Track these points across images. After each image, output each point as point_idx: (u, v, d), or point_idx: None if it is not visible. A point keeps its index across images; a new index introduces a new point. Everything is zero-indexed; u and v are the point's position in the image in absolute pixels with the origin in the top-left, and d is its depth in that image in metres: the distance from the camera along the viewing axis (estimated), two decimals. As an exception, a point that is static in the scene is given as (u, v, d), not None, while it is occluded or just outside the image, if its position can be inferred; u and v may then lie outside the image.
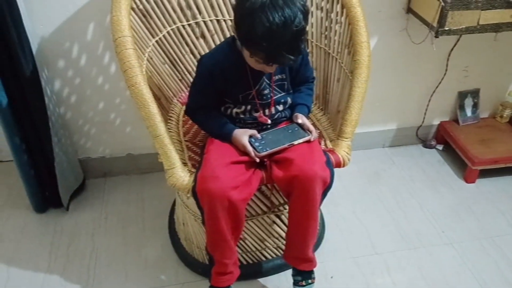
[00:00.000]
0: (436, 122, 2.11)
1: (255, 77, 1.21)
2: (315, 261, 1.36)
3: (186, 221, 1.48)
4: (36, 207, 1.74)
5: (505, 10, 1.54)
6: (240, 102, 1.24)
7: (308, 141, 1.22)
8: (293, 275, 1.39)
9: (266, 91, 1.24)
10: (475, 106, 2.07)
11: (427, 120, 2.08)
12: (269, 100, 1.25)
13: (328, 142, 1.37)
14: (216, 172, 1.12)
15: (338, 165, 1.28)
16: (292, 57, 1.04)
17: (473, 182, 1.92)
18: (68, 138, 1.75)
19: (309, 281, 1.36)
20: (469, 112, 2.07)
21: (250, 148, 1.18)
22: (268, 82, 1.23)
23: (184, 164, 1.25)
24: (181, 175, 1.19)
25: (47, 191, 1.72)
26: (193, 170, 1.24)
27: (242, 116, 1.26)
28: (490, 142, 1.97)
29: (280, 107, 1.29)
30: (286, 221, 1.43)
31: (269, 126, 1.28)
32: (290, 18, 1.00)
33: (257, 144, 1.20)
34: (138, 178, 1.92)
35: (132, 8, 1.29)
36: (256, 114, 1.26)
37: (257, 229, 1.41)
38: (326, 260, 1.57)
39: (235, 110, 1.26)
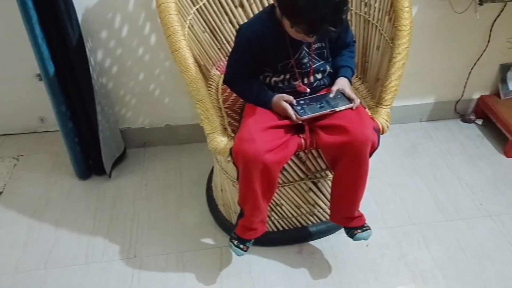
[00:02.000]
0: (476, 96, 2.06)
1: (294, 46, 1.21)
2: (363, 216, 1.38)
3: (224, 187, 1.52)
4: (80, 174, 1.82)
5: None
6: (279, 71, 1.25)
7: (351, 108, 1.22)
8: (346, 232, 1.40)
9: (305, 60, 1.25)
10: (518, 79, 2.01)
11: (466, 94, 2.04)
12: (308, 69, 1.26)
13: (367, 110, 1.37)
14: (252, 135, 1.15)
15: (378, 132, 1.28)
16: (333, 29, 1.05)
17: (514, 156, 1.88)
18: (110, 108, 1.81)
19: (364, 228, 1.37)
20: (511, 86, 2.02)
21: (291, 111, 1.19)
22: (307, 50, 1.24)
23: (224, 129, 1.28)
24: (222, 139, 1.23)
25: (90, 159, 1.79)
26: (233, 135, 1.27)
27: (280, 84, 1.27)
28: (533, 116, 1.91)
29: (319, 76, 1.29)
30: (322, 188, 1.45)
31: (307, 95, 1.28)
32: None
33: (298, 107, 1.21)
34: (176, 148, 1.97)
35: (175, -24, 1.31)
36: (295, 83, 1.27)
37: (293, 195, 1.43)
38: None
39: (274, 78, 1.27)
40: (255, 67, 1.26)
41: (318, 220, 1.54)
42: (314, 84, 1.29)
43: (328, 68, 1.30)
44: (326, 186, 1.45)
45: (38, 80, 1.90)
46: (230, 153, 1.20)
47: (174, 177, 1.83)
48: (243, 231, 1.34)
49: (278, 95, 1.23)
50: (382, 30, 1.40)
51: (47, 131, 2.07)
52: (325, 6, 1.01)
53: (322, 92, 1.30)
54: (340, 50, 1.33)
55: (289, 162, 1.31)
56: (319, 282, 1.43)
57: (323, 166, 1.38)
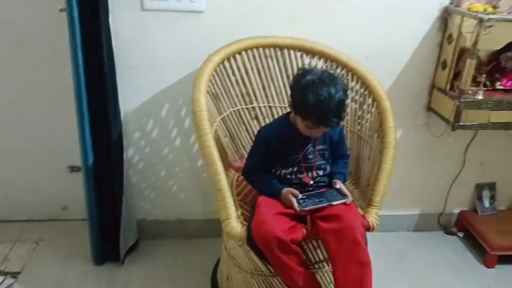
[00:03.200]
0: (457, 210, 2.31)
1: (303, 144, 1.51)
2: None
3: (230, 275, 1.67)
4: (96, 259, 1.96)
5: (512, 111, 1.83)
6: (288, 164, 1.52)
7: (345, 204, 1.45)
8: None
9: (310, 156, 1.52)
10: (492, 198, 2.27)
11: (448, 208, 2.28)
12: (312, 164, 1.53)
13: (359, 210, 1.59)
14: (266, 219, 1.37)
15: (368, 229, 1.49)
16: (335, 120, 1.36)
17: (493, 267, 2.06)
18: (131, 199, 2.03)
19: None
20: (487, 204, 2.27)
21: (296, 203, 1.42)
22: (313, 149, 1.52)
23: (237, 217, 1.49)
24: (236, 225, 1.43)
25: (107, 245, 1.95)
26: (244, 223, 1.48)
27: (288, 176, 1.52)
28: (508, 232, 2.13)
29: (321, 172, 1.55)
30: (321, 279, 1.61)
31: (310, 188, 1.53)
32: (334, 93, 1.34)
33: (301, 201, 1.44)
34: (185, 241, 2.13)
35: (207, 91, 1.64)
36: (301, 176, 1.52)
37: (295, 283, 1.58)
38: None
39: (283, 171, 1.53)
40: (270, 161, 1.52)
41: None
42: (317, 179, 1.54)
43: (328, 167, 1.56)
44: (326, 277, 1.61)
45: (69, 172, 2.15)
46: (247, 240, 1.38)
47: (181, 269, 1.97)
48: None
49: (286, 188, 1.47)
50: (372, 144, 1.70)
51: (67, 219, 2.24)
52: (328, 104, 1.34)
53: (322, 190, 1.54)
54: (337, 158, 1.61)
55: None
56: None
57: (322, 258, 1.55)
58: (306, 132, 1.45)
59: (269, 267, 1.51)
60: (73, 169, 2.14)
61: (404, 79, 1.98)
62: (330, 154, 1.56)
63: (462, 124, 1.82)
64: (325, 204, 1.44)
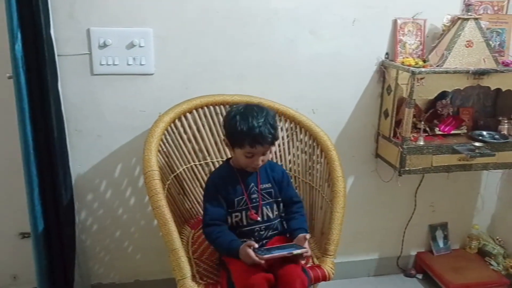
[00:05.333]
0: (414, 252, 2.36)
1: (246, 186, 1.55)
2: None
3: (190, 337, 1.62)
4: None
5: (452, 155, 1.93)
6: (236, 207, 1.54)
7: (304, 254, 1.43)
8: None
9: (254, 195, 1.55)
10: (445, 238, 2.35)
11: (405, 251, 2.33)
12: (257, 203, 1.55)
13: (315, 260, 1.61)
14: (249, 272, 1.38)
15: (324, 278, 1.51)
16: (269, 136, 1.44)
17: (451, 306, 2.10)
18: (84, 264, 1.97)
19: None
20: (441, 244, 2.34)
21: (253, 253, 1.39)
22: (256, 188, 1.56)
23: (193, 276, 1.48)
24: (191, 285, 1.41)
25: (60, 316, 1.87)
26: (201, 281, 1.46)
27: (239, 221, 1.53)
28: (462, 270, 2.20)
29: (270, 213, 1.56)
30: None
31: (261, 227, 1.54)
32: (262, 114, 1.45)
33: (259, 251, 1.42)
34: (143, 304, 2.08)
35: (159, 150, 1.66)
36: (249, 213, 1.54)
37: None
38: None
39: (234, 217, 1.54)
40: (224, 207, 1.53)
41: None
42: (265, 219, 1.56)
43: (275, 206, 1.58)
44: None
45: (20, 239, 2.07)
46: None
47: (140, 332, 1.90)
48: None
49: (244, 244, 1.44)
50: (324, 194, 1.75)
51: (16, 290, 2.13)
52: (258, 123, 1.43)
53: (275, 239, 1.55)
54: (288, 206, 1.62)
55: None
56: None
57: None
58: (247, 163, 1.49)
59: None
60: (24, 235, 2.06)
61: (351, 128, 2.07)
62: (277, 193, 1.59)
63: (407, 169, 1.90)
64: (285, 252, 1.41)
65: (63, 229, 1.77)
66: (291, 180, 1.71)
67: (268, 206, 1.58)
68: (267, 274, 1.41)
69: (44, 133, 1.66)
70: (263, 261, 1.40)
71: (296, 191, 1.74)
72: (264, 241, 1.55)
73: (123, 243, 2.04)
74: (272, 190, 1.59)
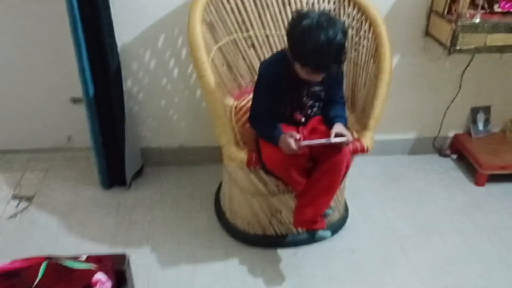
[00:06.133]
0: (451, 134, 2.37)
1: (298, 86, 1.50)
2: (324, 220, 1.63)
3: (232, 196, 1.78)
4: (104, 183, 2.07)
5: (509, 34, 1.82)
6: (284, 103, 1.54)
7: (345, 143, 1.45)
8: (308, 234, 1.64)
9: (304, 98, 1.54)
10: (486, 121, 2.33)
11: (442, 132, 2.35)
12: (305, 104, 1.55)
13: (354, 133, 1.66)
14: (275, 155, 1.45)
15: (362, 150, 1.56)
16: (335, 65, 1.34)
17: (483, 185, 2.16)
18: (134, 128, 2.09)
19: (325, 229, 1.63)
20: (481, 126, 2.33)
21: (293, 143, 1.39)
22: (307, 91, 1.53)
23: (237, 142, 1.56)
24: (235, 149, 1.51)
25: (113, 171, 2.05)
26: (243, 147, 1.55)
27: (283, 113, 1.55)
28: (499, 152, 2.21)
29: (315, 109, 1.58)
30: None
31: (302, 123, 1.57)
32: (333, 37, 1.29)
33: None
34: (187, 167, 2.23)
35: (203, 20, 1.64)
36: (294, 113, 1.55)
37: (291, 203, 1.69)
38: (349, 238, 1.85)
39: (280, 110, 1.55)
40: (273, 101, 1.52)
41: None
42: (311, 115, 1.58)
43: (321, 104, 1.58)
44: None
45: (72, 103, 2.19)
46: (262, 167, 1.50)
47: (185, 191, 2.08)
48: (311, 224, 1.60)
49: (285, 133, 1.44)
50: (368, 70, 1.72)
51: (72, 149, 2.32)
52: (327, 50, 1.30)
53: (315, 118, 1.59)
54: (333, 102, 1.58)
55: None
56: (311, 278, 1.67)
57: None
58: (306, 77, 1.42)
59: (269, 188, 1.61)
60: (75, 100, 2.18)
61: (402, 4, 1.96)
62: (325, 94, 1.56)
63: (458, 48, 1.82)
64: (324, 141, 1.44)
65: (112, 94, 1.85)
66: (344, 78, 1.62)
67: (314, 108, 1.57)
68: (301, 158, 1.46)
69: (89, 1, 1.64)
70: (301, 149, 1.42)
71: (344, 90, 1.64)
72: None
73: (168, 112, 2.13)
74: (321, 92, 1.55)
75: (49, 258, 0.99)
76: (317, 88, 1.53)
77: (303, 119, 1.57)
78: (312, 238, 1.64)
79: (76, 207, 1.97)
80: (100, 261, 1.01)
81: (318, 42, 1.29)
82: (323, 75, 1.42)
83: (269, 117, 1.52)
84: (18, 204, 1.97)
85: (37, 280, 0.93)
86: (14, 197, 2.01)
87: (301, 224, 1.63)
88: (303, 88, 1.51)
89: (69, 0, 1.62)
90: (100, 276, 0.96)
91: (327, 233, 1.64)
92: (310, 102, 1.56)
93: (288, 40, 1.40)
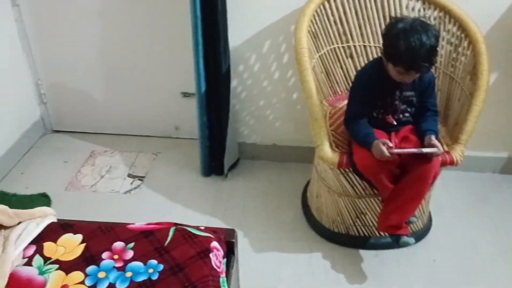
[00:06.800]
0: (548, 156, 2.31)
1: (391, 91, 1.61)
2: (408, 227, 1.70)
3: (320, 194, 1.92)
4: (204, 172, 2.31)
5: None
6: (377, 106, 1.65)
7: (435, 154, 1.53)
8: (392, 239, 1.71)
9: (396, 102, 1.63)
10: None
11: (539, 153, 2.29)
12: (397, 109, 1.65)
13: (445, 146, 1.72)
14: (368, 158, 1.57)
15: (452, 163, 1.63)
16: (426, 65, 1.44)
17: None
18: (234, 124, 2.31)
19: (410, 236, 1.69)
20: None
21: (384, 148, 1.50)
22: (399, 95, 1.62)
23: (330, 144, 1.70)
24: (328, 150, 1.65)
25: (213, 161, 2.28)
26: (336, 150, 1.69)
27: (375, 116, 1.66)
28: None
29: (407, 115, 1.67)
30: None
31: (393, 125, 1.67)
32: (425, 39, 1.41)
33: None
34: (278, 164, 2.41)
35: (309, 31, 1.80)
36: (386, 116, 1.66)
37: (376, 207, 1.79)
38: (430, 248, 1.91)
39: (374, 113, 1.67)
40: (367, 104, 1.63)
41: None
42: (402, 120, 1.67)
43: (413, 110, 1.67)
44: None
45: (182, 97, 2.47)
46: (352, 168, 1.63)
47: (275, 186, 2.27)
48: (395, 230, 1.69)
49: (378, 140, 1.54)
50: (464, 86, 1.77)
51: (178, 138, 2.61)
52: (419, 50, 1.42)
53: (407, 127, 1.67)
54: (424, 110, 1.67)
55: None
56: (389, 282, 1.76)
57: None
58: (398, 77, 1.52)
59: (356, 190, 1.73)
60: (185, 94, 2.46)
61: (505, 20, 1.96)
62: (417, 101, 1.65)
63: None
64: (415, 150, 1.53)
65: (220, 92, 2.08)
66: (436, 86, 1.70)
67: (406, 112, 1.66)
68: (391, 165, 1.55)
69: (210, 7, 1.88)
70: (393, 156, 1.51)
71: (436, 99, 1.72)
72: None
73: (266, 111, 2.33)
74: (413, 98, 1.64)
75: (176, 224, 1.21)
76: (409, 93, 1.63)
77: (394, 123, 1.66)
78: (396, 243, 1.71)
79: (180, 190, 2.23)
80: (215, 232, 1.21)
81: (411, 42, 1.41)
82: (414, 75, 1.51)
83: (363, 120, 1.64)
84: (132, 182, 2.27)
85: (168, 240, 1.15)
86: (129, 175, 2.32)
87: (385, 228, 1.72)
88: (396, 92, 1.61)
89: (193, 6, 1.86)
90: (215, 244, 1.17)
91: (411, 239, 1.71)
92: (403, 107, 1.65)
93: (384, 40, 1.54)
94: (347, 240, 1.90)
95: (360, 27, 1.96)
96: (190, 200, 2.16)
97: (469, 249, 1.91)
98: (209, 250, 1.13)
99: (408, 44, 1.42)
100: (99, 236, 1.17)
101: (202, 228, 1.23)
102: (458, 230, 2.00)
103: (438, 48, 1.48)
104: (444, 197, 2.16)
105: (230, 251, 1.24)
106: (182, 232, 1.17)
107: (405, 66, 1.46)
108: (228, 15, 1.97)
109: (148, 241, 1.15)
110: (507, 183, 2.31)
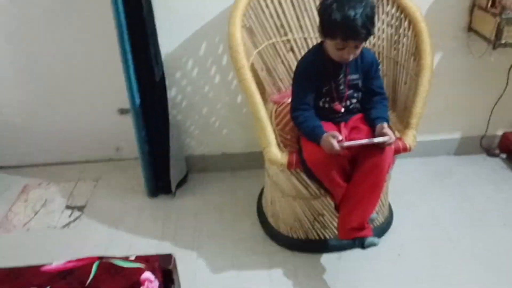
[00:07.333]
0: (500, 132, 2.28)
1: (335, 75, 1.53)
2: (371, 227, 1.58)
3: (274, 199, 1.79)
4: (150, 192, 2.13)
5: (557, 26, 1.75)
6: (321, 94, 1.55)
7: (387, 143, 1.43)
8: (356, 244, 1.58)
9: (341, 87, 1.54)
10: (538, 117, 2.23)
11: (490, 130, 2.26)
12: (343, 95, 1.55)
13: (396, 133, 1.63)
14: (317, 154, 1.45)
15: (405, 149, 1.54)
16: (363, 31, 1.35)
17: (536, 184, 2.07)
18: (178, 137, 2.15)
19: (374, 236, 1.57)
20: (532, 123, 2.23)
21: (336, 144, 1.39)
22: (344, 79, 1.54)
23: (277, 145, 1.57)
24: (276, 152, 1.52)
25: (159, 179, 2.10)
26: (284, 150, 1.56)
27: (321, 105, 1.56)
28: (553, 150, 2.11)
29: (354, 100, 1.58)
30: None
31: (341, 114, 1.57)
32: (359, 7, 1.34)
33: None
34: (230, 173, 2.27)
35: (242, 26, 1.67)
36: (333, 104, 1.56)
37: (333, 205, 1.67)
38: (395, 239, 1.81)
39: (320, 102, 1.57)
40: (312, 92, 1.54)
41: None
42: (350, 107, 1.58)
43: (360, 95, 1.58)
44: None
45: (119, 114, 2.29)
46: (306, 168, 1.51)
47: (229, 197, 2.11)
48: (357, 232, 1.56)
49: (327, 133, 1.44)
50: (409, 68, 1.70)
51: (120, 159, 2.41)
52: (354, 17, 1.33)
53: (356, 116, 1.58)
54: (371, 95, 1.58)
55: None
56: (355, 282, 1.65)
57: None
58: (337, 55, 1.44)
59: (311, 190, 1.61)
60: (122, 111, 2.27)
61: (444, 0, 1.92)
62: (363, 84, 1.57)
63: (504, 42, 1.77)
64: (366, 141, 1.43)
65: (157, 104, 1.92)
66: (380, 69, 1.62)
67: (353, 98, 1.57)
68: (343, 159, 1.46)
69: (135, 13, 1.72)
70: (343, 150, 1.41)
71: (382, 82, 1.63)
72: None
73: (211, 119, 2.18)
74: (358, 81, 1.56)
75: (100, 258, 1.03)
76: (354, 76, 1.54)
77: (342, 110, 1.57)
78: (361, 247, 1.56)
79: (125, 216, 2.03)
80: (148, 261, 1.04)
81: (346, 11, 1.34)
82: (353, 49, 1.42)
83: (310, 112, 1.54)
84: (71, 214, 2.06)
85: (90, 278, 0.97)
86: (67, 207, 2.10)
87: (347, 233, 1.57)
88: (340, 76, 1.53)
89: (116, 13, 1.70)
90: (148, 274, 1.00)
91: (376, 239, 1.57)
92: (349, 92, 1.56)
93: (319, 17, 1.45)
94: (307, 245, 1.77)
95: (298, 19, 1.86)
96: (137, 226, 1.97)
97: (434, 232, 1.85)
98: (139, 283, 0.96)
99: (342, 12, 1.35)
100: (5, 284, 0.97)
101: (132, 258, 1.06)
102: (420, 216, 1.93)
103: (375, 18, 1.41)
104: (402, 184, 2.09)
105: (169, 280, 1.08)
106: (106, 266, 1.00)
107: (342, 36, 1.38)
108: (157, 19, 1.82)
109: (67, 282, 0.97)
110: (464, 163, 2.27)
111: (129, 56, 1.79)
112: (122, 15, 1.72)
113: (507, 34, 1.76)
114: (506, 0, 1.72)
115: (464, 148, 2.30)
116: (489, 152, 2.30)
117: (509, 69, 2.09)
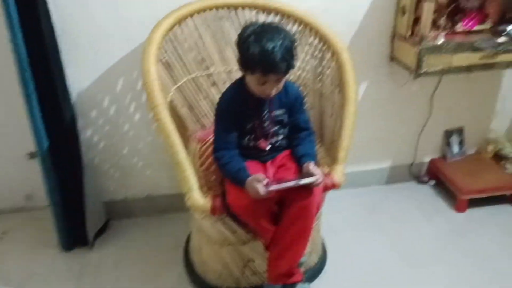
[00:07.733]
0: (427, 159, 2.31)
1: (258, 111, 1.44)
2: (300, 271, 1.51)
3: (201, 246, 1.65)
4: (64, 245, 1.90)
5: (474, 53, 1.79)
6: (245, 132, 1.45)
7: (315, 184, 1.34)
8: None
9: (266, 124, 1.45)
10: (461, 143, 2.28)
11: (418, 158, 2.28)
12: (268, 132, 1.46)
13: (325, 168, 1.56)
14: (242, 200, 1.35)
15: (334, 186, 1.47)
16: (283, 64, 1.28)
17: (464, 211, 2.08)
18: (95, 181, 1.96)
19: (305, 281, 1.50)
20: (456, 149, 2.28)
21: (261, 188, 1.29)
22: (268, 115, 1.45)
23: (201, 187, 1.44)
24: (197, 197, 1.39)
25: (74, 230, 1.89)
26: (208, 193, 1.43)
27: (245, 144, 1.46)
28: (477, 174, 2.15)
29: (280, 137, 1.49)
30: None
31: (267, 152, 1.48)
32: (278, 39, 1.27)
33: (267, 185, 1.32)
34: (156, 217, 2.09)
35: (158, 60, 1.55)
36: (257, 141, 1.46)
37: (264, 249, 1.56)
38: (329, 281, 1.72)
39: (244, 140, 1.46)
40: (235, 130, 1.43)
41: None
42: (276, 144, 1.49)
43: (286, 131, 1.50)
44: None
45: (28, 159, 2.06)
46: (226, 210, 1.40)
47: (153, 244, 1.93)
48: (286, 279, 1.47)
49: (251, 176, 1.34)
50: (334, 100, 1.65)
51: (32, 209, 2.16)
52: (273, 50, 1.25)
53: (283, 153, 1.49)
54: (297, 130, 1.50)
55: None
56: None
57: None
58: (259, 90, 1.36)
59: (238, 236, 1.49)
60: (32, 155, 2.05)
61: (365, 30, 1.92)
62: (288, 119, 1.49)
63: (424, 70, 1.78)
64: (293, 183, 1.33)
65: (68, 146, 1.73)
66: (305, 103, 1.54)
67: (278, 135, 1.49)
68: (270, 202, 1.37)
69: (37, 49, 1.55)
70: (269, 194, 1.31)
71: (308, 116, 1.55)
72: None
73: (132, 160, 2.02)
74: (284, 116, 1.48)
75: None
76: (278, 112, 1.46)
77: (268, 147, 1.47)
78: None
79: (34, 275, 1.79)
80: None
81: (264, 44, 1.26)
82: (274, 83, 1.34)
83: (233, 152, 1.43)
84: (-31, 276, 1.78)
85: None
86: (-34, 268, 1.83)
87: (277, 278, 1.49)
88: (264, 113, 1.44)
89: (16, 48, 1.53)
90: None
91: (307, 285, 1.51)
92: (274, 129, 1.47)
93: (238, 50, 1.36)
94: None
95: (220, 52, 1.77)
96: (48, 285, 1.74)
97: (369, 270, 1.77)
98: None
99: (260, 45, 1.27)
100: None
101: None
102: (354, 255, 1.85)
103: (295, 51, 1.34)
104: (335, 220, 2.00)
105: None
106: None
107: (262, 70, 1.29)
108: (67, 53, 1.68)
109: None
110: (394, 192, 2.26)
111: (33, 96, 1.61)
112: (24, 51, 1.54)
113: (427, 63, 1.77)
114: (423, 29, 1.74)
115: (394, 176, 2.30)
116: (419, 179, 2.31)
117: (431, 97, 2.13)
